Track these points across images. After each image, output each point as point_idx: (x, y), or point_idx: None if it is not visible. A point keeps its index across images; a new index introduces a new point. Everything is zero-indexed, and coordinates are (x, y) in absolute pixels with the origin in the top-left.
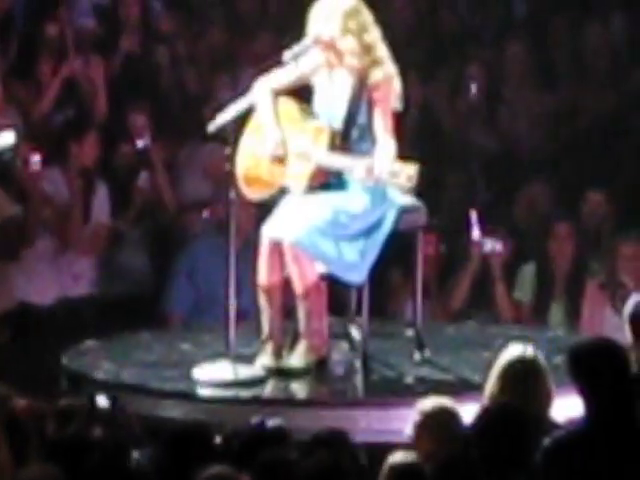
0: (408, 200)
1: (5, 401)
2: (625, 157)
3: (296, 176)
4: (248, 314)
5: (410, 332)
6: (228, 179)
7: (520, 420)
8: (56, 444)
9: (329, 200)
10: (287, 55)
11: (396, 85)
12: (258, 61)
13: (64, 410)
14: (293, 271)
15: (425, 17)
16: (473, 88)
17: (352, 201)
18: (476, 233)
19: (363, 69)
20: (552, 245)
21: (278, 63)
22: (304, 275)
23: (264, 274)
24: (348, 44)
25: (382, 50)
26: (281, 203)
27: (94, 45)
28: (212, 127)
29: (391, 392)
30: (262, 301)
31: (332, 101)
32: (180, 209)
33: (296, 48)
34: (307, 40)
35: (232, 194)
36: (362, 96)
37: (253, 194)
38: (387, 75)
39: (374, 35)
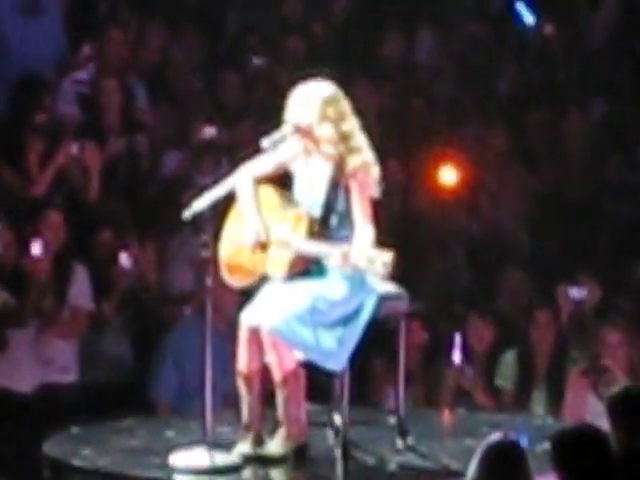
0: (389, 287)
1: None
2: (603, 243)
3: (276, 263)
4: (235, 398)
5: (393, 419)
6: (205, 266)
7: None
8: None
9: (308, 287)
10: (265, 142)
11: (374, 173)
12: (240, 148)
13: None
14: (271, 358)
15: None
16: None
17: (331, 288)
18: (457, 357)
19: (340, 157)
20: (533, 332)
21: (257, 151)
22: (282, 362)
23: (243, 361)
24: (325, 132)
25: (360, 138)
26: (260, 290)
27: (78, 132)
28: (188, 213)
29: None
30: (241, 388)
31: (311, 188)
32: (165, 300)
33: (275, 135)
34: (286, 128)
35: (209, 281)
36: (340, 183)
37: (235, 282)
38: (364, 162)
39: (352, 123)
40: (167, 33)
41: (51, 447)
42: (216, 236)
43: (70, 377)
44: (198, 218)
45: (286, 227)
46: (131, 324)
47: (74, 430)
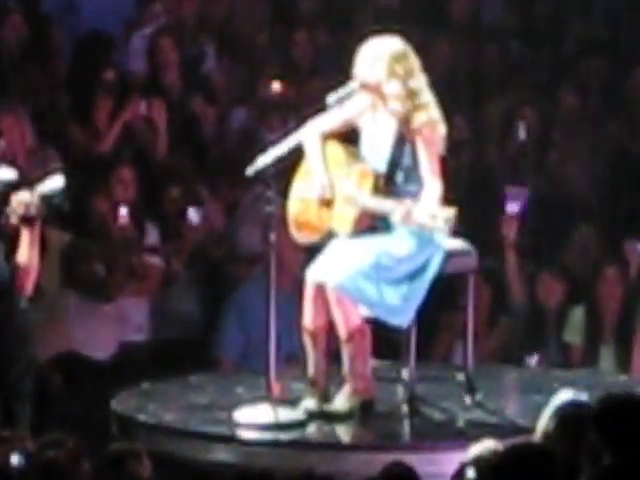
0: (457, 243)
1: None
2: None
3: (342, 219)
4: (299, 356)
5: (460, 376)
6: (269, 221)
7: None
8: None
9: (374, 243)
10: (330, 99)
11: (440, 130)
12: (307, 105)
13: (113, 453)
14: (337, 314)
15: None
16: (523, 130)
17: (397, 244)
18: (513, 208)
19: (407, 113)
20: (601, 288)
21: (323, 107)
22: (348, 318)
23: (309, 317)
24: (393, 88)
25: (427, 95)
26: (326, 247)
27: (145, 89)
28: (251, 170)
29: (441, 435)
30: (307, 344)
31: (377, 144)
32: (234, 258)
33: (340, 91)
34: (351, 84)
35: (272, 237)
36: (406, 140)
37: (302, 238)
38: (431, 119)
39: (420, 81)
40: None
41: (119, 404)
42: (284, 193)
43: (143, 335)
44: (262, 174)
45: (351, 183)
46: (200, 281)
47: (142, 387)
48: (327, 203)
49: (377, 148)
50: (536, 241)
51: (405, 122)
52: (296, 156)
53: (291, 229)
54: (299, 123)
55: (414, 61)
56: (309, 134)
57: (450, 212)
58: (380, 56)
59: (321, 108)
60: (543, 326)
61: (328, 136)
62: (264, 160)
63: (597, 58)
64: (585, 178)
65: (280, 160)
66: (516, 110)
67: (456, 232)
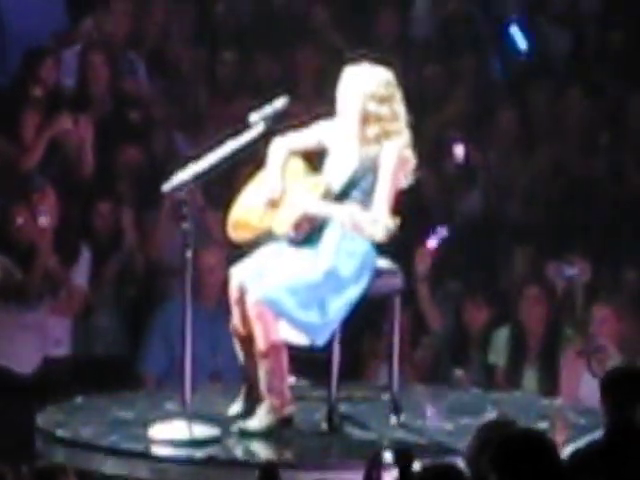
0: (384, 263)
1: None
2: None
3: (282, 221)
4: (224, 374)
5: (385, 396)
6: (186, 238)
7: None
8: None
9: (303, 257)
10: (254, 117)
11: (409, 162)
12: (233, 123)
13: (41, 471)
14: (256, 328)
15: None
16: (460, 151)
17: (324, 261)
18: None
19: (377, 139)
20: (524, 309)
21: (247, 125)
22: (267, 334)
23: (237, 320)
24: (368, 112)
25: (400, 123)
26: (256, 252)
27: (70, 104)
28: (167, 187)
29: (364, 454)
30: (238, 346)
31: (340, 167)
32: (159, 274)
33: (266, 109)
34: (277, 102)
35: (189, 253)
36: (371, 167)
37: (238, 237)
38: (400, 150)
39: (394, 108)
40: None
41: (43, 419)
42: (227, 201)
43: (64, 350)
44: (179, 191)
45: (302, 189)
46: (125, 297)
47: (70, 402)
48: (273, 204)
49: (339, 169)
50: (462, 264)
51: (373, 145)
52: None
53: (228, 229)
54: (219, 141)
55: (395, 92)
56: (277, 145)
57: (391, 221)
58: (356, 93)
59: (244, 127)
60: (467, 347)
61: (295, 152)
62: (182, 177)
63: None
64: (515, 200)
65: (198, 177)
66: (451, 131)
67: (384, 251)
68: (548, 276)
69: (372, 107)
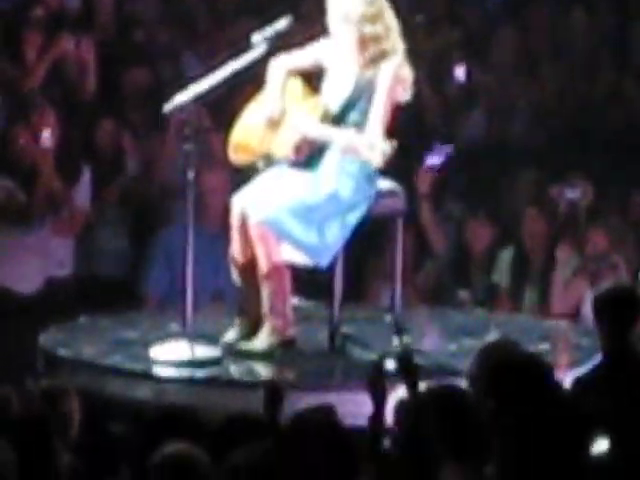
0: (386, 185)
1: None
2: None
3: (282, 144)
4: (226, 295)
5: (388, 318)
6: (188, 159)
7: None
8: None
9: (304, 180)
10: (256, 37)
11: (406, 76)
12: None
13: (43, 391)
14: (258, 250)
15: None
16: (461, 71)
17: (328, 183)
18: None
19: (374, 58)
20: (525, 228)
21: (249, 47)
22: (269, 255)
23: (236, 249)
24: (363, 32)
25: (394, 41)
26: (257, 177)
27: (73, 25)
28: (168, 108)
29: (365, 375)
30: (236, 276)
31: (338, 86)
32: (164, 195)
33: (268, 30)
34: (280, 23)
35: (190, 175)
36: (368, 86)
37: (238, 160)
38: (396, 66)
39: (387, 25)
40: None
41: (45, 339)
42: (228, 123)
43: (66, 271)
44: (179, 112)
45: (301, 112)
46: (129, 218)
47: (72, 322)
48: (274, 125)
49: (337, 90)
50: (464, 186)
51: (371, 67)
52: (219, 95)
53: (229, 151)
54: (221, 62)
55: (382, 5)
56: (276, 66)
57: (389, 145)
58: (347, 17)
59: (246, 48)
60: (470, 268)
61: (294, 72)
62: (182, 97)
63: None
64: (517, 122)
65: (199, 98)
66: (452, 52)
67: (386, 172)
68: (551, 198)
69: (367, 29)
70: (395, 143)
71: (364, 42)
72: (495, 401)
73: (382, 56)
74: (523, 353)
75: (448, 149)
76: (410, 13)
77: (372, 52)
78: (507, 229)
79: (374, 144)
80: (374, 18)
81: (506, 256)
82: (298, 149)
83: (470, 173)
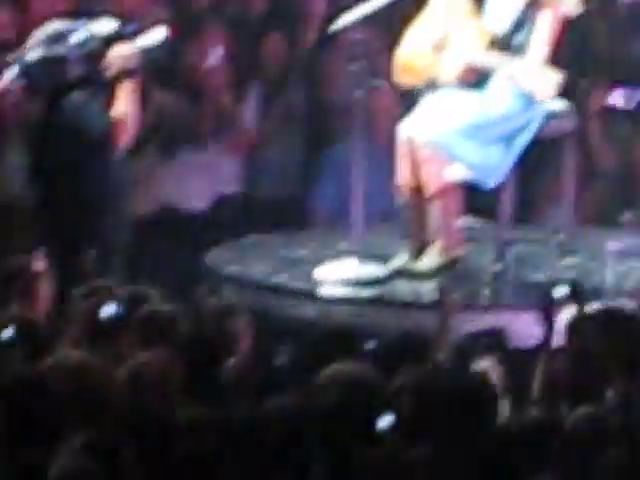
0: (556, 105)
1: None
2: None
3: (448, 68)
4: (393, 215)
5: (557, 238)
6: (357, 77)
7: None
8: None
9: (473, 101)
10: None
11: None
12: None
13: (213, 310)
14: (429, 170)
15: None
16: None
17: (498, 104)
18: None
19: None
20: None
21: None
22: (439, 175)
23: (403, 174)
24: None
25: None
26: (422, 102)
27: None
28: (335, 27)
29: (533, 296)
30: (404, 200)
31: (502, 6)
32: (328, 111)
33: None
34: None
35: (359, 93)
36: (535, 6)
37: (405, 81)
38: None
39: None
40: None
41: (213, 258)
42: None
43: (235, 188)
44: (347, 30)
45: (467, 35)
46: (299, 136)
47: (237, 240)
48: (438, 47)
49: (502, 11)
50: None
51: None
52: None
53: (395, 72)
54: None
55: None
56: None
57: (556, 76)
58: None
59: None
60: (637, 189)
61: None
62: (350, 16)
63: None
64: None
65: (366, 17)
66: None
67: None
68: None
69: None
70: (560, 74)
71: None
72: None
73: None
74: None
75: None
76: None
77: None
78: None
79: (541, 75)
80: None
81: None
82: (464, 76)
83: None
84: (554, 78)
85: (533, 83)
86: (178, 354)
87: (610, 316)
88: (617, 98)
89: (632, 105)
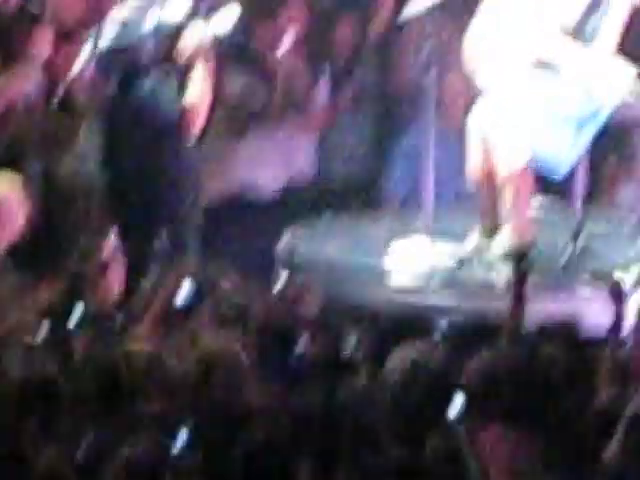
0: (628, 91)
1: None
2: None
3: (517, 55)
4: (464, 198)
5: (630, 219)
6: (428, 57)
7: None
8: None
9: (543, 87)
10: None
11: None
12: None
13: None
14: (501, 154)
15: None
16: None
17: (567, 91)
18: None
19: None
20: None
21: None
22: (512, 158)
23: (477, 161)
24: None
25: None
26: (489, 90)
27: None
28: (402, 18)
29: (606, 277)
30: (475, 184)
31: None
32: (399, 93)
33: None
34: None
35: (431, 76)
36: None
37: (470, 67)
38: None
39: None
40: None
41: (287, 239)
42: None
43: (308, 171)
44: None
45: (537, 21)
46: (371, 118)
47: (310, 222)
48: (508, 34)
49: (573, 3)
50: None
51: None
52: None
53: (463, 58)
54: None
55: None
56: None
57: (632, 70)
58: None
59: None
60: None
61: None
62: (413, 8)
63: None
64: None
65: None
66: None
67: None
68: None
69: None
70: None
71: None
72: None
73: None
74: None
75: None
76: None
77: None
78: None
79: (616, 67)
80: None
81: None
82: (534, 61)
83: None
84: (626, 67)
85: (605, 71)
86: (250, 338)
87: None
88: None
89: None
